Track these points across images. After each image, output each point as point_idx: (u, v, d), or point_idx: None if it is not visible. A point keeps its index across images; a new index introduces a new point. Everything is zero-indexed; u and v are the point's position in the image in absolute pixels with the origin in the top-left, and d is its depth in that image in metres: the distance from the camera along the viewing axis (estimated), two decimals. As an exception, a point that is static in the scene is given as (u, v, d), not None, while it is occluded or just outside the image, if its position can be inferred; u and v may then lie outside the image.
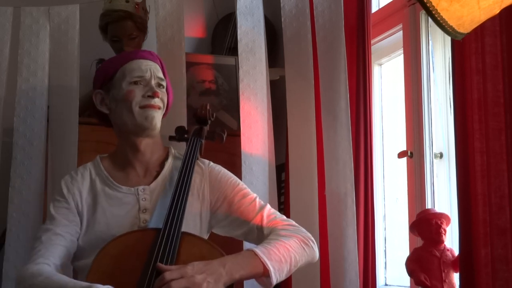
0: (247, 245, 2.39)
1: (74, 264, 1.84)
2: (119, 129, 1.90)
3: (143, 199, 1.81)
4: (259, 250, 1.67)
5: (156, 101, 1.86)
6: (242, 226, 1.85)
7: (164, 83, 1.92)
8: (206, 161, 1.95)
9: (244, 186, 1.93)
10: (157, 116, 1.87)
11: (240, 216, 1.85)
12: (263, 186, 2.50)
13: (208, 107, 2.08)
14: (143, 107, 1.84)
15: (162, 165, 1.90)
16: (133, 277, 1.59)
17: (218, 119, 3.03)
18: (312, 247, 1.80)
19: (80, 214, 1.82)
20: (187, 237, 1.70)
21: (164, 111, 1.92)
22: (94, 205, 1.82)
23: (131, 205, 1.81)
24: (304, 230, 1.82)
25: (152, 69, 1.89)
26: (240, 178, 2.43)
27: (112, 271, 1.63)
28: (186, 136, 2.02)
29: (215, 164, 1.95)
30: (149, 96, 1.85)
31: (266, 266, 1.64)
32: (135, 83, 1.86)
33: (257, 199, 1.89)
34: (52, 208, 1.82)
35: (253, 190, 2.42)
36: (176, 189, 1.77)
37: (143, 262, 1.61)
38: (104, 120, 1.95)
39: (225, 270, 1.60)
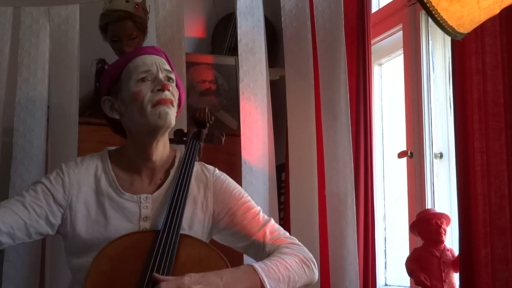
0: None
1: (70, 262, 1.80)
2: (131, 133, 1.81)
3: (145, 207, 1.77)
4: (258, 266, 1.65)
5: (167, 95, 1.76)
6: (243, 239, 1.82)
7: (173, 76, 1.83)
8: (212, 168, 1.90)
9: (249, 198, 1.88)
10: (171, 113, 1.76)
11: (242, 230, 1.81)
12: (263, 186, 2.50)
13: (206, 111, 2.05)
14: (154, 104, 1.74)
15: (167, 173, 1.84)
16: (132, 279, 1.59)
17: (218, 119, 3.03)
18: (312, 269, 1.77)
19: (67, 206, 1.75)
20: (186, 239, 1.69)
21: (177, 109, 1.83)
22: (97, 205, 1.77)
23: (132, 212, 1.76)
24: (306, 250, 1.79)
25: (157, 62, 1.80)
26: (240, 178, 2.45)
27: (111, 272, 1.62)
28: (185, 139, 2.01)
29: (221, 173, 1.90)
30: (158, 90, 1.76)
31: (264, 284, 1.63)
32: (143, 80, 1.77)
33: (261, 213, 1.84)
34: (42, 183, 1.77)
35: (253, 190, 2.44)
36: (175, 191, 1.75)
37: (142, 263, 1.61)
38: (114, 125, 1.87)
39: (222, 283, 1.59)
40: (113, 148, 1.89)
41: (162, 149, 1.82)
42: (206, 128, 2.05)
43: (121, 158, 1.84)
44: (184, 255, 1.65)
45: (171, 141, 2.02)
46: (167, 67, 1.82)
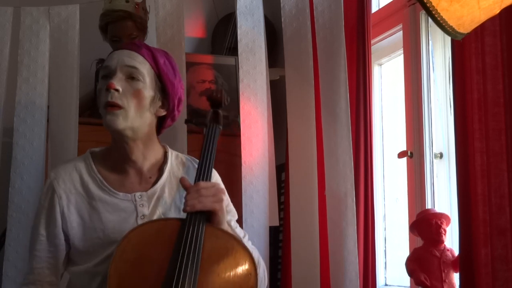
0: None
1: (68, 269, 1.77)
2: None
3: (141, 205, 1.72)
4: None
5: (115, 96, 1.64)
6: None
7: (138, 74, 1.69)
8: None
9: (232, 210, 1.88)
10: (118, 121, 1.66)
11: None
12: (263, 186, 2.50)
13: (223, 92, 1.98)
14: (104, 107, 1.67)
15: (160, 171, 1.79)
16: (158, 268, 1.56)
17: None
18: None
19: (64, 221, 1.72)
20: (210, 229, 1.64)
21: (133, 111, 1.68)
22: (90, 211, 1.71)
23: (128, 212, 1.71)
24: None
25: (120, 58, 1.68)
26: (240, 178, 2.45)
27: (135, 260, 1.58)
28: (202, 120, 1.93)
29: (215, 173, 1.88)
30: (106, 90, 1.65)
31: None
32: (106, 77, 1.68)
33: (238, 228, 1.85)
34: (43, 223, 1.73)
35: (253, 190, 2.45)
36: (198, 179, 1.69)
37: (168, 253, 1.57)
38: None
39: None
40: (97, 149, 1.84)
41: (142, 148, 1.75)
42: (221, 109, 1.97)
43: (107, 158, 1.78)
44: (210, 245, 1.62)
45: (189, 121, 1.97)
46: (133, 62, 1.69)
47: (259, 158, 2.52)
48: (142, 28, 2.82)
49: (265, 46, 2.62)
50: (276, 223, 2.67)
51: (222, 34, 3.48)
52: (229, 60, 3.17)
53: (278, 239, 3.10)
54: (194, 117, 1.96)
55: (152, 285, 1.55)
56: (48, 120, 2.63)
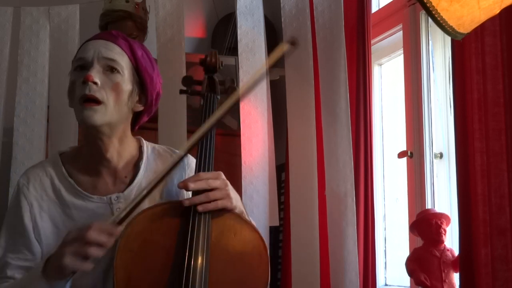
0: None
1: None
2: (82, 129, 1.64)
3: (118, 209, 1.59)
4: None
5: (93, 89, 1.53)
6: None
7: (117, 66, 1.57)
8: (178, 152, 1.73)
9: None
10: (97, 116, 1.54)
11: None
12: (263, 186, 2.50)
13: (217, 55, 1.86)
14: (81, 103, 1.54)
15: (136, 168, 1.66)
16: (165, 256, 1.49)
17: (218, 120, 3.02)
18: None
19: (36, 230, 1.60)
20: (216, 212, 1.54)
21: (112, 106, 1.56)
22: (65, 220, 1.60)
23: (105, 216, 1.57)
24: None
25: (97, 48, 1.57)
26: (240, 178, 2.45)
27: (140, 249, 1.50)
28: (197, 89, 1.82)
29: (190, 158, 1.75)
30: (83, 83, 1.53)
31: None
32: (80, 68, 1.57)
33: None
34: (12, 233, 1.61)
35: (253, 190, 2.45)
36: (201, 158, 1.60)
37: (173, 239, 1.49)
38: None
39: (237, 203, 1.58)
40: (66, 150, 1.72)
41: (117, 144, 1.63)
42: (216, 75, 1.86)
43: (78, 159, 1.66)
44: (217, 229, 1.54)
45: (184, 92, 1.87)
46: (111, 54, 1.58)
47: (259, 158, 2.52)
48: (142, 28, 2.82)
49: (265, 46, 2.62)
50: (276, 223, 2.67)
51: (222, 34, 3.48)
52: (229, 60, 3.17)
53: (278, 239, 3.10)
54: (187, 86, 1.85)
55: (160, 276, 1.48)
56: (48, 120, 2.63)
